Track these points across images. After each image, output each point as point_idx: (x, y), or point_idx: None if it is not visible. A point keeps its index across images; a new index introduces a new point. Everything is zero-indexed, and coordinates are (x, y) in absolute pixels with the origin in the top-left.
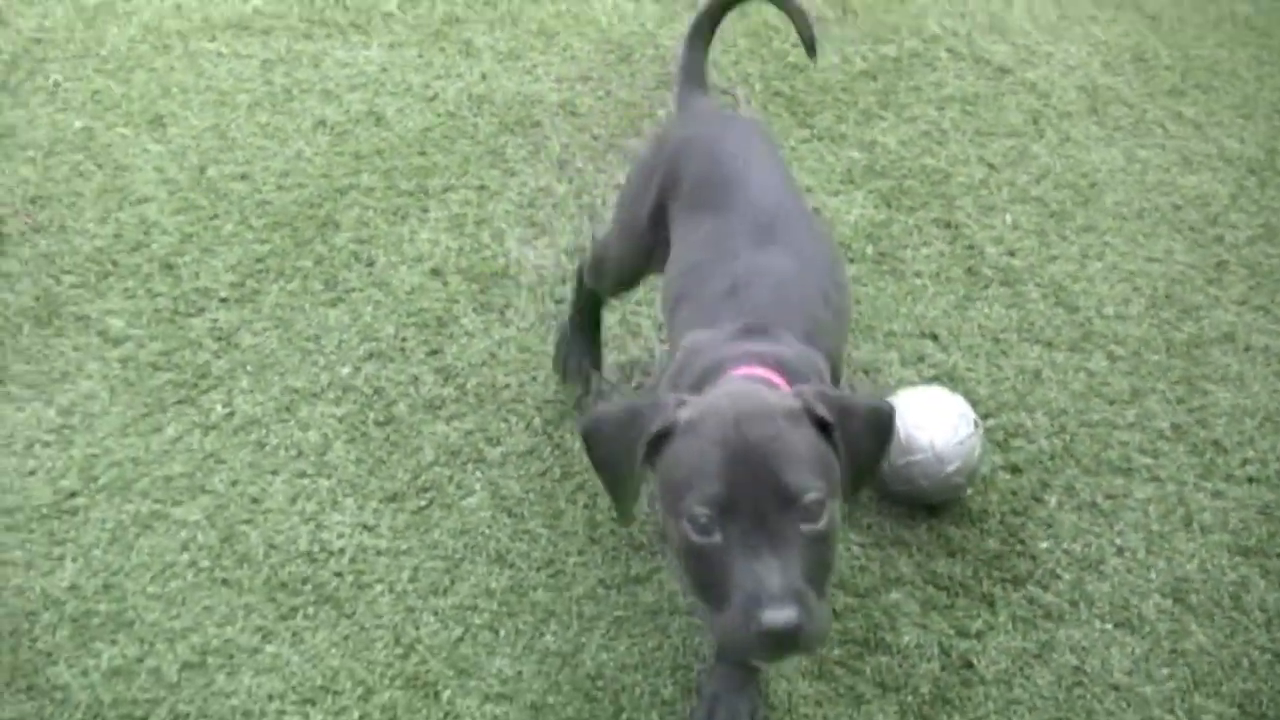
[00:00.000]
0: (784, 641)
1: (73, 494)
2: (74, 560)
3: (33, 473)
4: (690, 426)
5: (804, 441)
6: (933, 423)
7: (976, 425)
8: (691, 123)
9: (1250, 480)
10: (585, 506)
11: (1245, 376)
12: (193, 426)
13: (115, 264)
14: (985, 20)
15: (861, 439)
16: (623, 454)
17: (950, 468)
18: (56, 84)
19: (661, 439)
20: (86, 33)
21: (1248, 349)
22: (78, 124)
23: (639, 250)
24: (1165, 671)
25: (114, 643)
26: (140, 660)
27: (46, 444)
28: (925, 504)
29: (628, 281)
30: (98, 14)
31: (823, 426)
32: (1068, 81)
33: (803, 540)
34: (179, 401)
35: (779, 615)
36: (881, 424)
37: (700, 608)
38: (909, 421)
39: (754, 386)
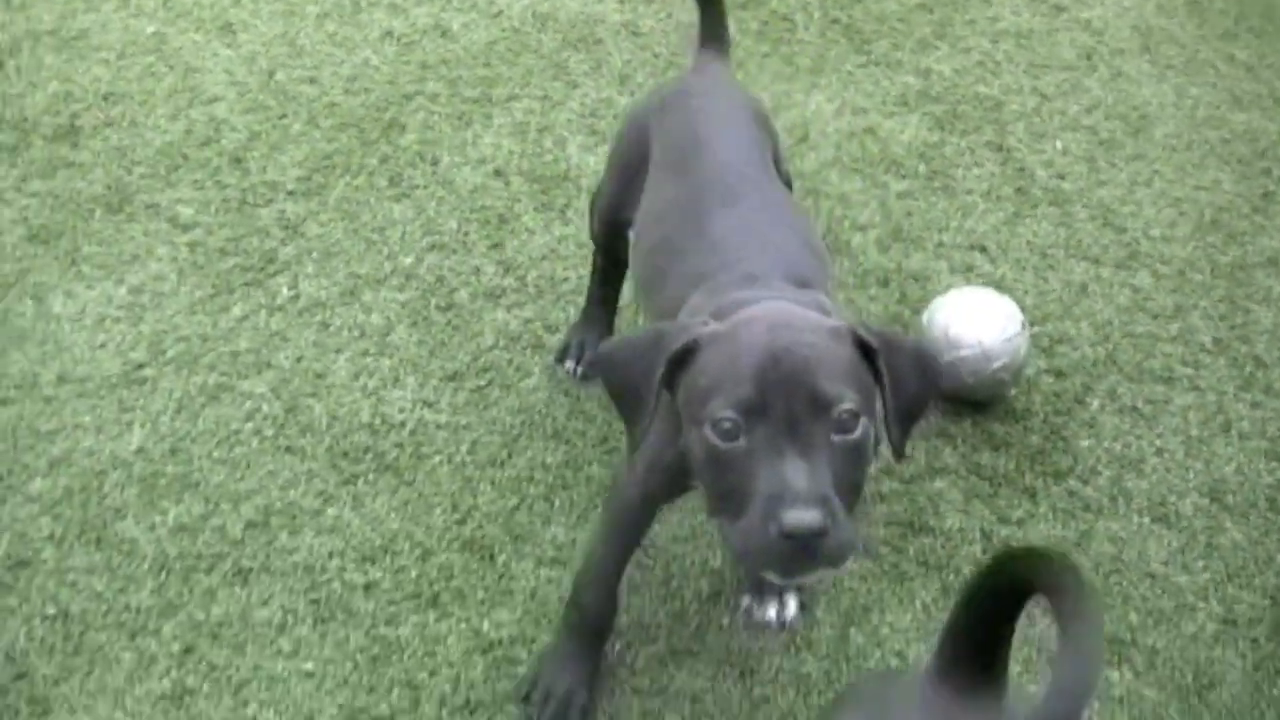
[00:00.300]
0: (807, 547)
1: (141, 366)
2: (142, 426)
3: (103, 346)
4: (718, 338)
5: (844, 355)
6: (981, 320)
7: (1024, 325)
8: (686, 82)
9: None
10: None
11: None
12: (259, 307)
13: (185, 157)
14: None
15: (908, 375)
16: (641, 376)
17: (997, 364)
18: None
19: (685, 356)
20: None
21: None
22: (149, 29)
23: (625, 194)
24: (1200, 564)
25: (180, 502)
26: (205, 519)
27: (116, 320)
28: (970, 400)
29: (612, 226)
30: None
31: (866, 351)
32: (1121, 21)
33: (833, 450)
34: (246, 284)
35: (803, 516)
36: (929, 365)
37: (720, 520)
38: (958, 318)
39: (790, 305)
